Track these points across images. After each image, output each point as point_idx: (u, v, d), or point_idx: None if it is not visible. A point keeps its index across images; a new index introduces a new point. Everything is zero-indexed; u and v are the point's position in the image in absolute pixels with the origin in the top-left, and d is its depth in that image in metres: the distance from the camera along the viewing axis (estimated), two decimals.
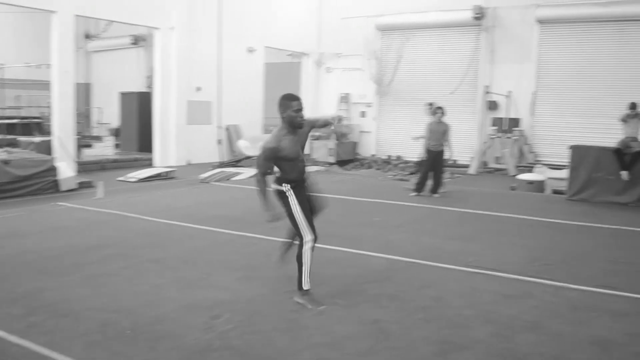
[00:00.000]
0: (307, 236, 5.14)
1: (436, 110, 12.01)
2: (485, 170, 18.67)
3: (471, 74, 19.92)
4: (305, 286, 5.20)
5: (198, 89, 18.34)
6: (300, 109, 5.05)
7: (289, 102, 5.06)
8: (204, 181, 13.88)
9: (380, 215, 9.71)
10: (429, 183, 12.12)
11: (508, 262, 6.81)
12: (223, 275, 6.07)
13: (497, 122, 19.04)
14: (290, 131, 5.12)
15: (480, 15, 19.14)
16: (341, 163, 19.99)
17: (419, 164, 13.18)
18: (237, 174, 14.93)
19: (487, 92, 19.17)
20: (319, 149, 20.45)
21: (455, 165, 18.62)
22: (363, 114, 22.21)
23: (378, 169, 19.07)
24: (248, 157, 17.58)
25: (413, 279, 6.09)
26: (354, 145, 21.60)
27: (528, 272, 6.39)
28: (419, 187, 12.16)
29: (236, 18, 19.19)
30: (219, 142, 19.21)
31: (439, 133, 11.90)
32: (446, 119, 12.15)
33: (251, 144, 16.98)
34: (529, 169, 16.73)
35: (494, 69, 19.60)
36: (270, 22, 20.42)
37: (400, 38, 20.88)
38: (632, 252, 7.57)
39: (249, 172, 15.33)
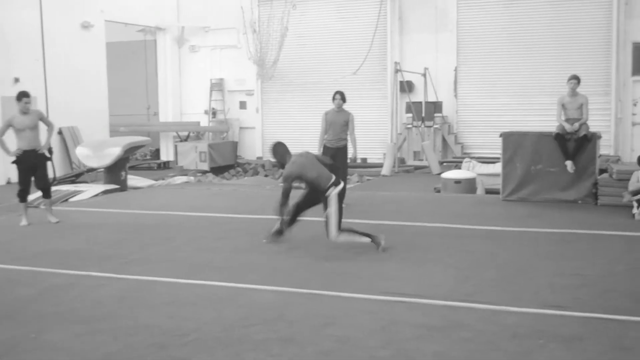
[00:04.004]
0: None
1: (334, 96, 12.13)
2: (402, 169, 19.15)
3: (377, 48, 20.40)
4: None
5: (16, 80, 17.65)
6: None
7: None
8: (31, 205, 13.32)
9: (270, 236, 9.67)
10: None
11: (433, 285, 6.97)
12: (59, 331, 5.82)
13: (413, 107, 19.58)
14: None
15: None
16: (217, 170, 19.83)
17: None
18: (76, 192, 14.45)
19: (399, 71, 19.70)
20: (187, 154, 20.19)
21: (363, 165, 18.96)
22: (243, 105, 22.19)
23: (266, 176, 19.08)
24: (90, 170, 17.06)
25: (312, 315, 6.10)
26: (233, 146, 21.51)
27: (458, 295, 6.57)
28: None
29: None
30: (50, 151, 18.51)
31: (338, 125, 12.02)
32: (348, 107, 12.30)
33: (94, 152, 16.42)
34: (456, 164, 17.31)
35: (404, 41, 20.18)
36: None
37: (284, 5, 21.04)
38: (583, 262, 7.96)
39: (92, 189, 14.88)
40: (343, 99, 12.07)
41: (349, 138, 12.10)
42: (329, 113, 12.10)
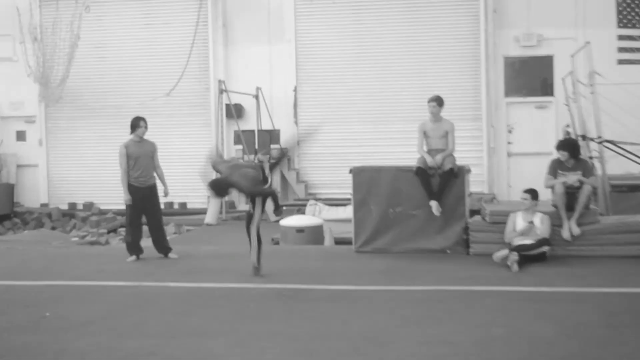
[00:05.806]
0: None
1: (139, 124, 12.26)
2: (232, 215, 19.06)
3: (197, 63, 20.37)
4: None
5: None
6: None
7: None
8: None
9: (57, 308, 9.32)
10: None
11: None
12: None
13: (243, 137, 19.60)
14: None
15: None
16: None
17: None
18: None
19: (224, 91, 19.70)
20: None
21: (182, 211, 18.78)
22: (21, 136, 21.55)
23: (54, 228, 18.57)
24: None
25: None
26: (9, 189, 20.76)
27: None
28: (134, 248, 12.43)
29: None
30: None
31: (146, 157, 12.26)
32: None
33: None
34: (298, 208, 17.42)
35: (231, 54, 20.28)
36: None
37: (74, 6, 20.65)
38: (454, 326, 8.11)
39: None
40: (146, 127, 12.38)
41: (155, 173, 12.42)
42: (129, 145, 12.25)
